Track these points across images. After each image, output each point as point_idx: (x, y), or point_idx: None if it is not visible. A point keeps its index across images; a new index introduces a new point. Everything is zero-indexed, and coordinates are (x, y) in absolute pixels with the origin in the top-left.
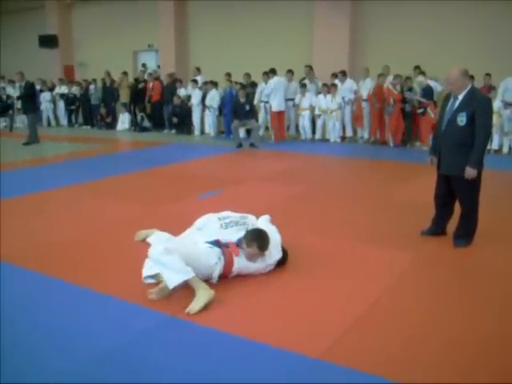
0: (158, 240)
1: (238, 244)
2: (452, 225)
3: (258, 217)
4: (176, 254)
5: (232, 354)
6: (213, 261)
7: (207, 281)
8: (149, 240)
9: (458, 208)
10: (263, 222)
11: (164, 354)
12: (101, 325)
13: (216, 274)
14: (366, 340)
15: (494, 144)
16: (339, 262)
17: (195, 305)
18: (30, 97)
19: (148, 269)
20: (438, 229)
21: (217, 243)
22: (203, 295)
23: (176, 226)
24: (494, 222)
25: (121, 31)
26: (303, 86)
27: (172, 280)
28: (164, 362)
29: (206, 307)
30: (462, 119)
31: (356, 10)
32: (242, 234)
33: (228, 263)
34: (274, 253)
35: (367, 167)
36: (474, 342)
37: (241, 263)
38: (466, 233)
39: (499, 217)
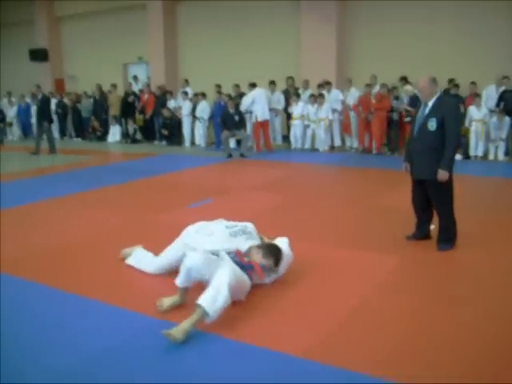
0: (137, 262)
1: (247, 253)
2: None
3: (253, 222)
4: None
5: (218, 355)
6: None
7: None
8: (128, 262)
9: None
10: (283, 244)
11: (153, 357)
12: (91, 329)
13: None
14: (352, 339)
15: (479, 151)
16: (327, 265)
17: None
18: (45, 109)
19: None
20: (421, 233)
21: (240, 262)
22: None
23: (166, 235)
24: (478, 226)
25: (110, 44)
26: (297, 95)
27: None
28: (153, 364)
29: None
30: (432, 124)
31: (343, 19)
32: (250, 242)
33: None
34: (281, 269)
35: (355, 175)
36: (461, 342)
37: (255, 279)
38: (448, 237)
39: (482, 221)
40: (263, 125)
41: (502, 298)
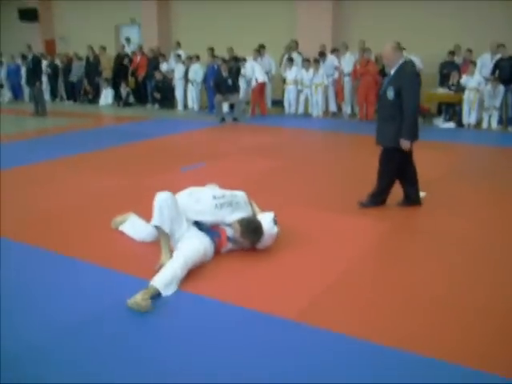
0: (132, 229)
1: (231, 225)
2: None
3: (243, 190)
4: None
5: (209, 318)
6: (206, 252)
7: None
8: (122, 229)
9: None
10: (266, 220)
11: (143, 321)
12: (82, 291)
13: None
14: (339, 302)
15: (472, 119)
16: (316, 230)
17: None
18: (35, 70)
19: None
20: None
21: (209, 231)
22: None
23: None
24: (461, 193)
25: (103, 5)
26: (290, 59)
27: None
28: (152, 325)
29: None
30: (390, 93)
31: None
32: (235, 215)
33: (217, 250)
34: (260, 245)
35: (347, 141)
36: (444, 305)
37: (229, 247)
38: (373, 193)
39: (466, 189)
40: (261, 89)
41: (488, 262)
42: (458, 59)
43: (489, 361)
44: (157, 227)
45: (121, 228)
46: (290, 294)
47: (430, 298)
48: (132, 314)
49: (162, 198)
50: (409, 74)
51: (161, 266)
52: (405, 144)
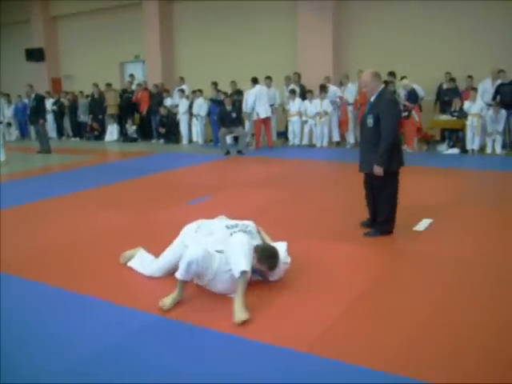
0: (140, 265)
1: None
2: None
3: (254, 220)
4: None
5: (222, 352)
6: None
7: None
8: (130, 264)
9: None
10: (280, 250)
11: (155, 353)
12: (92, 327)
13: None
14: (350, 333)
15: (476, 144)
16: (324, 260)
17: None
18: (39, 109)
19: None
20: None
21: None
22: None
23: (166, 233)
24: (467, 219)
25: (107, 42)
26: (292, 91)
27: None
28: (155, 361)
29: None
30: (370, 121)
31: (339, 16)
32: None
33: None
34: (275, 275)
35: (351, 170)
36: (460, 331)
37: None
38: (381, 226)
39: (472, 215)
40: (265, 122)
41: (500, 288)
42: (448, 85)
43: None
44: (180, 281)
45: (129, 264)
46: (301, 326)
47: (441, 325)
48: (142, 348)
49: (193, 254)
50: (387, 101)
51: (164, 304)
52: (377, 170)
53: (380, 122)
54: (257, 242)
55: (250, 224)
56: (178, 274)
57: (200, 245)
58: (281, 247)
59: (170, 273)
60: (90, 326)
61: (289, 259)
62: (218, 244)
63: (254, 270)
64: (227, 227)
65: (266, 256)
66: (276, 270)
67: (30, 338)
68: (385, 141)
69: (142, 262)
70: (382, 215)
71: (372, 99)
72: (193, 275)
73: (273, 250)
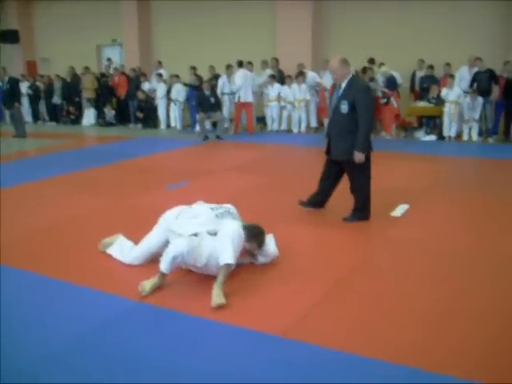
0: (119, 252)
1: None
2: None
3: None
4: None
5: (198, 336)
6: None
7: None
8: (110, 252)
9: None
10: (269, 242)
11: (134, 339)
12: (71, 313)
13: None
14: (327, 317)
15: (452, 131)
16: (302, 245)
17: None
18: (14, 92)
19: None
20: (315, 202)
21: None
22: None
23: (144, 218)
24: (444, 204)
25: (84, 25)
26: (272, 76)
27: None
28: (134, 347)
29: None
30: (344, 107)
31: (318, 3)
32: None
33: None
34: (267, 253)
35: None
36: (436, 318)
37: (239, 259)
38: (359, 212)
39: (449, 200)
40: (246, 107)
41: (475, 272)
42: (427, 72)
43: (482, 371)
44: (162, 273)
45: (108, 251)
46: (277, 311)
47: (418, 309)
48: (123, 334)
49: (178, 248)
50: (363, 88)
51: (142, 288)
52: (359, 156)
53: (356, 108)
54: (238, 223)
55: (231, 207)
56: (162, 267)
57: (186, 233)
58: (270, 240)
59: (149, 260)
60: (69, 312)
61: (276, 250)
62: (205, 225)
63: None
64: (211, 209)
65: (254, 234)
66: (264, 250)
67: (9, 325)
68: (364, 127)
69: (122, 249)
70: (359, 202)
71: (343, 85)
72: (176, 266)
73: (259, 228)
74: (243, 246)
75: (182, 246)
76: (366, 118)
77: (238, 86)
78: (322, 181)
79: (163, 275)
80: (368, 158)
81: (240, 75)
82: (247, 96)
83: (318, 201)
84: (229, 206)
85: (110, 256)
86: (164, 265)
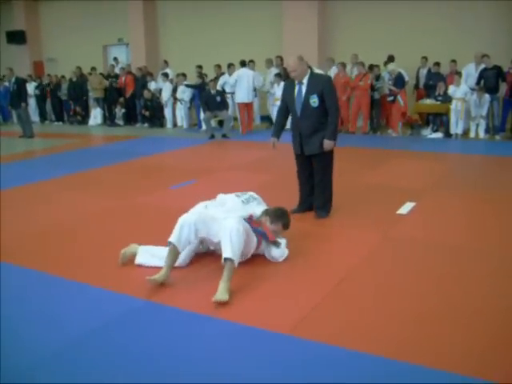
0: (151, 258)
1: (259, 219)
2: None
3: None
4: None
5: (203, 334)
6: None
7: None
8: (139, 262)
9: None
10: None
11: (140, 337)
12: (78, 311)
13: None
14: (333, 315)
15: (459, 129)
16: (309, 243)
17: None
18: (20, 92)
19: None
20: (305, 206)
21: (253, 227)
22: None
23: (151, 217)
24: (451, 202)
25: (90, 25)
26: (278, 75)
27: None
28: (140, 344)
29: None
30: (314, 100)
31: (324, 1)
32: (261, 207)
33: (259, 244)
34: (279, 257)
35: (338, 154)
36: (441, 316)
37: (263, 244)
38: (324, 203)
39: (456, 198)
40: (247, 106)
41: (480, 270)
42: (434, 69)
43: (485, 369)
44: (170, 243)
45: (137, 262)
46: (284, 308)
47: (423, 307)
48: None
49: (186, 219)
50: (327, 79)
51: (153, 280)
52: (329, 144)
53: (325, 99)
54: (263, 207)
55: (254, 194)
56: (171, 237)
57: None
58: (282, 241)
59: (193, 256)
60: (76, 310)
61: (287, 251)
62: (234, 211)
63: (261, 233)
64: (237, 195)
65: (279, 215)
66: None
67: (15, 322)
68: (334, 116)
69: (153, 255)
70: (327, 195)
71: (305, 81)
72: (184, 242)
73: (284, 209)
74: (269, 228)
75: (191, 217)
76: (335, 107)
77: (231, 85)
78: (300, 189)
79: (173, 247)
80: (332, 151)
81: (234, 75)
82: (243, 97)
83: (307, 207)
84: (252, 192)
85: (115, 251)
86: (172, 234)
